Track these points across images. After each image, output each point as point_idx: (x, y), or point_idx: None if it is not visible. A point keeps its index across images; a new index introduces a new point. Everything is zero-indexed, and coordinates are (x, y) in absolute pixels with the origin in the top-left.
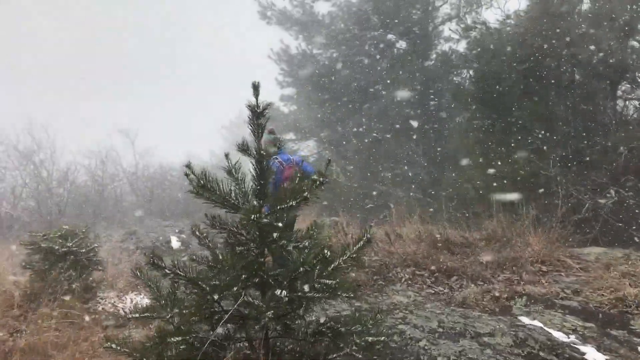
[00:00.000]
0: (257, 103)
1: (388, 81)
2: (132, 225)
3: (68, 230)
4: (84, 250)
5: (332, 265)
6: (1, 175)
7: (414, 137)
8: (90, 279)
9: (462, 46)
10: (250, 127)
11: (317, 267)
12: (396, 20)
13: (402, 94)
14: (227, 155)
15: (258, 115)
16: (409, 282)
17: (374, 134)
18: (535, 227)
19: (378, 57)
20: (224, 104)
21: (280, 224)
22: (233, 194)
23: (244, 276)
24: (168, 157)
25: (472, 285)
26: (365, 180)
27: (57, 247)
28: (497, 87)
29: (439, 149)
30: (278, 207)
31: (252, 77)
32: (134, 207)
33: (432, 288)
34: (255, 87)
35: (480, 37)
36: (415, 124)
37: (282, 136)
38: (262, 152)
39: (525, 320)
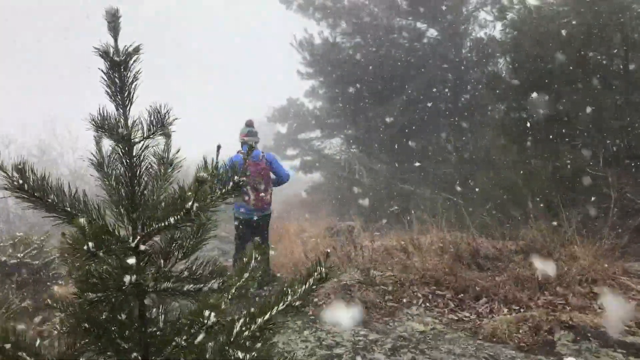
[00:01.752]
0: (116, 46)
1: (417, 73)
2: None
3: (21, 238)
4: (37, 262)
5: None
6: None
7: (445, 132)
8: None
9: (498, 32)
10: (106, 83)
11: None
12: (427, 7)
13: (433, 86)
14: None
15: (117, 66)
16: (428, 304)
17: (401, 130)
18: (583, 236)
19: (407, 46)
20: (252, 97)
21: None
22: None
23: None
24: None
25: (505, 310)
26: (391, 181)
27: (3, 259)
28: (537, 75)
29: (471, 145)
30: (150, 229)
31: (275, 69)
32: None
33: (456, 313)
34: (114, 16)
35: (518, 18)
36: (446, 118)
37: (307, 134)
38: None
39: None
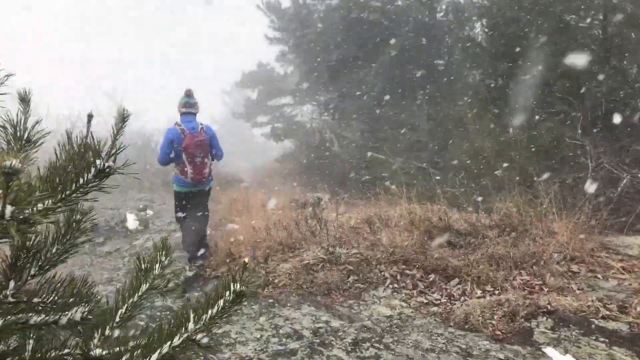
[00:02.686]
0: None
1: (391, 37)
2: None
3: None
4: None
5: None
6: None
7: (419, 99)
8: None
9: None
10: None
11: None
12: None
13: (407, 51)
14: None
15: None
16: (396, 285)
17: (374, 96)
18: (561, 210)
19: (380, 8)
20: (219, 61)
21: None
22: None
23: None
24: (155, 122)
25: (479, 292)
26: (362, 149)
27: None
28: (513, 38)
29: (445, 113)
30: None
31: (243, 33)
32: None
33: (425, 295)
34: None
35: None
36: (420, 85)
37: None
38: None
39: (552, 353)
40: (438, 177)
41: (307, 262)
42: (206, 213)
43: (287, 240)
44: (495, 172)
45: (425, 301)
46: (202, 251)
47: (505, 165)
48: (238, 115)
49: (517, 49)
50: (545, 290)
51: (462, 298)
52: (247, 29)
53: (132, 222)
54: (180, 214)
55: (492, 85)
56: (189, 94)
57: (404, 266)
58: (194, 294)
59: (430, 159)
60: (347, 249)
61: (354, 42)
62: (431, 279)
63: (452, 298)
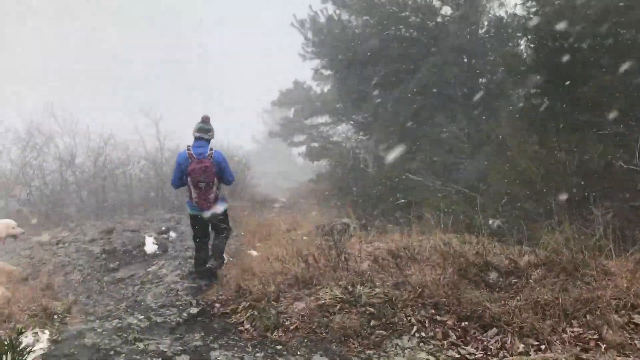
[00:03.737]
0: None
1: (429, 54)
2: (125, 219)
3: None
4: None
5: None
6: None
7: (459, 119)
8: None
9: (520, 9)
10: None
11: None
12: None
13: (446, 68)
14: None
15: None
16: (423, 333)
17: (411, 115)
18: (618, 245)
19: (419, 25)
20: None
21: None
22: None
23: None
24: (190, 141)
25: (521, 346)
26: (398, 171)
27: None
28: (562, 54)
29: (486, 134)
30: None
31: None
32: (141, 196)
33: (458, 348)
34: None
35: None
36: (459, 105)
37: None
38: None
39: None
40: (477, 203)
41: (322, 302)
42: (222, 235)
43: (303, 275)
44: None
45: (457, 356)
46: (211, 262)
47: (552, 191)
48: (274, 135)
49: (566, 66)
50: (602, 347)
51: (501, 353)
52: (284, 47)
53: (150, 245)
54: (196, 238)
55: (538, 104)
56: (204, 120)
57: (433, 310)
58: (195, 335)
59: (469, 183)
60: (369, 287)
61: (391, 59)
62: (465, 328)
63: (488, 352)
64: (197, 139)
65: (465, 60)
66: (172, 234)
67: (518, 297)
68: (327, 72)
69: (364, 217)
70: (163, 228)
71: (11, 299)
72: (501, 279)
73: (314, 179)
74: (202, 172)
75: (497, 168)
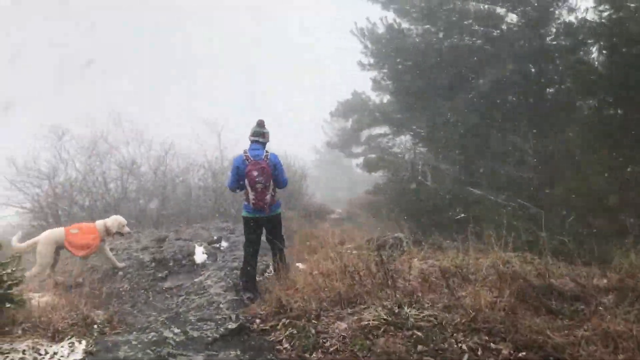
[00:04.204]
0: None
1: (493, 63)
2: (182, 227)
3: None
4: None
5: None
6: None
7: (523, 130)
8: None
9: (591, 13)
10: None
11: None
12: None
13: (510, 77)
14: None
15: None
16: None
17: (473, 126)
18: None
19: (482, 33)
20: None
21: None
22: None
23: None
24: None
25: None
26: (458, 184)
27: None
28: (638, 61)
29: (553, 146)
30: None
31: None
32: (199, 205)
33: None
34: None
35: None
36: (525, 115)
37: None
38: None
39: None
40: (542, 221)
41: (366, 323)
42: (277, 236)
43: (347, 292)
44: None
45: None
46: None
47: (626, 207)
48: (333, 145)
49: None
50: None
51: None
52: (343, 56)
53: (200, 255)
54: (247, 244)
55: (610, 114)
56: (259, 124)
57: (487, 337)
58: (230, 352)
59: (534, 197)
60: (417, 309)
61: (452, 68)
62: (522, 358)
63: None
64: (252, 142)
65: (532, 69)
66: (224, 243)
67: (585, 326)
68: (387, 82)
69: (418, 232)
70: (215, 237)
71: (56, 305)
72: (566, 305)
73: (371, 190)
74: (260, 174)
75: (565, 182)
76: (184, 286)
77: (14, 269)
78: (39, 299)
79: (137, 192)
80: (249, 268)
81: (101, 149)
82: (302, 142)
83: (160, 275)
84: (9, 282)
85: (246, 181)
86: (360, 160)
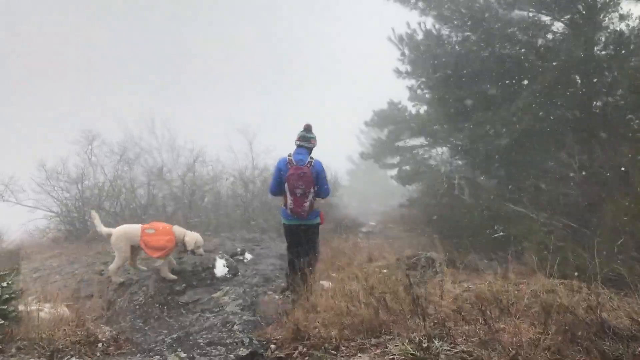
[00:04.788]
0: None
1: (537, 73)
2: (209, 236)
3: None
4: None
5: None
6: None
7: (569, 144)
8: None
9: None
10: None
11: None
12: None
13: (555, 89)
14: None
15: None
16: None
17: (514, 139)
18: None
19: (525, 42)
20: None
21: None
22: None
23: None
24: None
25: None
26: (496, 200)
27: None
28: None
29: (602, 162)
30: None
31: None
32: (228, 214)
33: None
34: None
35: None
36: (570, 129)
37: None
38: None
39: None
40: (590, 243)
41: (391, 357)
42: (311, 248)
43: (371, 320)
44: None
45: None
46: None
47: None
48: (367, 156)
49: None
50: None
51: None
52: (379, 64)
53: (220, 268)
54: (288, 250)
55: None
56: (306, 128)
57: None
58: None
59: (580, 217)
60: (449, 344)
61: (493, 78)
62: None
63: None
64: (297, 146)
65: (578, 80)
66: (248, 256)
67: None
68: (424, 92)
69: (454, 251)
70: (238, 249)
71: (62, 319)
72: (621, 347)
73: (405, 203)
74: (300, 179)
75: (615, 201)
76: (200, 301)
77: (10, 282)
78: (48, 310)
79: (165, 199)
80: (297, 266)
81: (130, 154)
82: (335, 152)
83: (177, 288)
84: (5, 296)
85: (286, 185)
86: (395, 171)
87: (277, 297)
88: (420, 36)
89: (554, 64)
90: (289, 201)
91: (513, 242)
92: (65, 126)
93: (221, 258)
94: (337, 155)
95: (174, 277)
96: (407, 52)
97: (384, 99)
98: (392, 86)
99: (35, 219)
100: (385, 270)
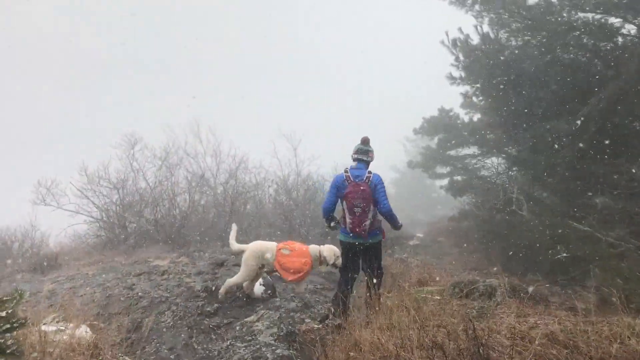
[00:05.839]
0: None
1: (606, 80)
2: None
3: None
4: None
5: None
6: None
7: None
8: None
9: None
10: None
11: None
12: None
13: (625, 97)
14: None
15: None
16: None
17: (578, 151)
18: None
19: (592, 46)
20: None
21: None
22: None
23: None
24: (324, 168)
25: None
26: (560, 217)
27: None
28: None
29: None
30: None
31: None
32: (270, 222)
33: None
34: None
35: None
36: None
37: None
38: None
39: None
40: None
41: None
42: (378, 270)
43: None
44: None
45: None
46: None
47: None
48: (415, 165)
49: None
50: None
51: None
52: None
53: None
54: (343, 270)
55: None
56: (364, 141)
57: None
58: None
59: None
60: None
61: (556, 85)
62: None
63: None
64: (355, 160)
65: None
66: None
67: None
68: (479, 99)
69: (515, 275)
70: None
71: (80, 344)
72: None
73: (456, 216)
74: (359, 197)
75: None
76: (232, 325)
77: (10, 311)
78: (70, 332)
79: (206, 207)
80: (341, 295)
81: (172, 159)
82: (381, 160)
83: (209, 309)
84: (6, 326)
85: (344, 203)
86: (445, 181)
87: (316, 326)
88: (475, 41)
89: (625, 70)
90: (348, 220)
91: (582, 264)
92: (108, 130)
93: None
94: (382, 164)
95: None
96: (461, 56)
97: (433, 106)
98: (443, 93)
99: (75, 224)
100: (437, 297)
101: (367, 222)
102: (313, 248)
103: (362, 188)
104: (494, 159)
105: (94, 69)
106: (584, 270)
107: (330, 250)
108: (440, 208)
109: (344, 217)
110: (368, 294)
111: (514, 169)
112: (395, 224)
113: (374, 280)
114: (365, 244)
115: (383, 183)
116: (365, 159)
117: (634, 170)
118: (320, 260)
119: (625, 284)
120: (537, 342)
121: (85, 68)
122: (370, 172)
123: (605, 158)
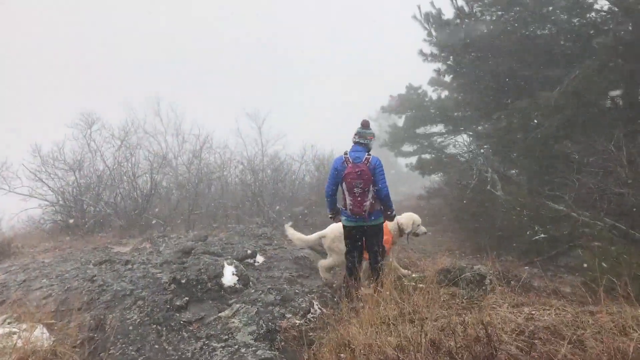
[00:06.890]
0: None
1: (580, 57)
2: (216, 229)
3: None
4: None
5: None
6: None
7: (617, 137)
8: None
9: None
10: None
11: None
12: None
13: (602, 75)
14: None
15: None
16: None
17: (551, 129)
18: None
19: (566, 22)
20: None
21: None
22: None
23: None
24: (292, 147)
25: None
26: (535, 197)
27: None
28: None
29: None
30: None
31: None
32: (236, 204)
33: None
34: None
35: None
36: (619, 117)
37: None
38: None
39: None
40: None
41: None
42: (375, 250)
43: None
44: None
45: None
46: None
47: None
48: (381, 143)
49: None
50: None
51: None
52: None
53: (229, 277)
54: (347, 251)
55: None
56: (363, 124)
57: None
58: None
59: (631, 218)
60: None
61: (528, 62)
62: None
63: None
64: (355, 143)
65: (628, 64)
66: (259, 259)
67: None
68: (449, 77)
69: (488, 255)
70: (249, 251)
71: (35, 351)
72: None
73: (424, 195)
74: (358, 177)
75: None
76: (205, 321)
77: None
78: (23, 335)
79: (168, 188)
80: (349, 280)
81: (133, 138)
82: (343, 137)
83: (178, 303)
84: None
85: (343, 185)
86: (411, 160)
87: (297, 322)
88: (447, 15)
89: (599, 46)
90: (348, 201)
91: (560, 243)
92: (63, 109)
93: (230, 264)
94: (347, 141)
95: (406, 272)
96: (434, 32)
97: (399, 82)
98: (413, 70)
99: (29, 209)
100: (421, 285)
101: (367, 203)
102: (389, 223)
103: (361, 169)
104: (465, 137)
105: (49, 49)
106: (560, 251)
107: (409, 218)
108: (403, 186)
109: (344, 200)
110: (367, 282)
111: (485, 146)
112: (389, 210)
113: (377, 265)
114: (367, 225)
115: (382, 166)
116: (363, 141)
117: (608, 149)
118: (401, 231)
119: (611, 268)
120: (535, 334)
121: (37, 47)
122: (369, 154)
123: (577, 136)
